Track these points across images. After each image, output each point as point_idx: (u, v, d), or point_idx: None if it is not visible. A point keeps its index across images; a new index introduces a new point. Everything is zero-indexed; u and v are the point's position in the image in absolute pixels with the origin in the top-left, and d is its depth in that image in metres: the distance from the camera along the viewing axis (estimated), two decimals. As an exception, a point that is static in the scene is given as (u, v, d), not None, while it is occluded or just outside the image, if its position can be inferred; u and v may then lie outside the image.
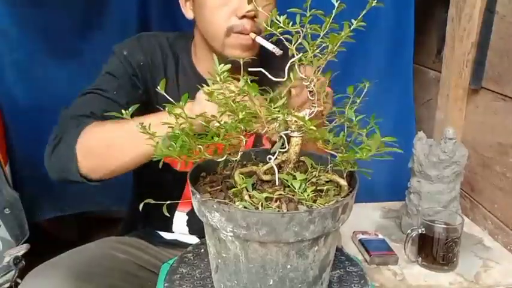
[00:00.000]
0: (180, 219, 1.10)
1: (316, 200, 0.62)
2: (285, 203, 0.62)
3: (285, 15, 0.63)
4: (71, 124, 0.90)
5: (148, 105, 0.99)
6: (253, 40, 0.91)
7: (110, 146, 0.87)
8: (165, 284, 0.74)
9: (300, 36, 0.62)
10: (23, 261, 1.15)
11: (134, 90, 1.01)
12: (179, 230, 1.11)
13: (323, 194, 0.64)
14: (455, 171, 1.20)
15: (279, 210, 0.60)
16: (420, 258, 1.13)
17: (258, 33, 0.92)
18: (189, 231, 1.11)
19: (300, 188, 0.62)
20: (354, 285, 0.75)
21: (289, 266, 0.61)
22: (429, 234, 1.10)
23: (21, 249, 1.17)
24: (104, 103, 0.95)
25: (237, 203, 0.61)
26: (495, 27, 1.25)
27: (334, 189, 0.66)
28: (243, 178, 0.64)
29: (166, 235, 1.13)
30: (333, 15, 0.61)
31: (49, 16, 1.36)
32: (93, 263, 0.96)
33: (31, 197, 1.44)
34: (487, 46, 1.28)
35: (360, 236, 1.23)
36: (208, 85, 0.66)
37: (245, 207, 0.59)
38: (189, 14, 1.03)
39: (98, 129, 0.88)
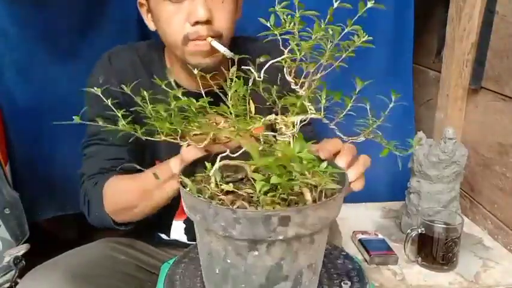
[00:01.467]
0: (177, 227, 1.11)
1: (279, 204, 0.60)
2: (243, 201, 0.60)
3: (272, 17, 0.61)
4: (90, 187, 0.98)
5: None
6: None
7: (128, 206, 0.94)
8: (165, 284, 0.74)
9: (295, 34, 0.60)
10: (23, 261, 1.15)
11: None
12: (177, 237, 1.11)
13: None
14: (455, 171, 1.21)
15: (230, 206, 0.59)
16: (420, 258, 1.14)
17: (218, 36, 0.89)
18: (187, 239, 1.11)
19: (260, 190, 0.59)
20: (354, 285, 0.75)
21: (228, 261, 0.61)
22: (429, 234, 1.10)
23: (21, 249, 1.17)
24: (108, 153, 1.00)
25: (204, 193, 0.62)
26: (495, 27, 1.25)
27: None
28: (211, 166, 0.64)
29: (165, 236, 1.13)
30: (326, 20, 0.59)
31: (49, 16, 1.36)
32: (92, 264, 0.96)
33: (31, 197, 1.44)
34: (487, 46, 1.28)
35: (360, 236, 1.23)
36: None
37: (190, 190, 0.60)
38: (151, 25, 1.00)
39: (113, 192, 0.96)
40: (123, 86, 0.70)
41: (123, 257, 1.03)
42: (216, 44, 0.76)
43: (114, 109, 0.66)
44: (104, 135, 1.00)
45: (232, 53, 0.71)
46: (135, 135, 0.67)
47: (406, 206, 1.29)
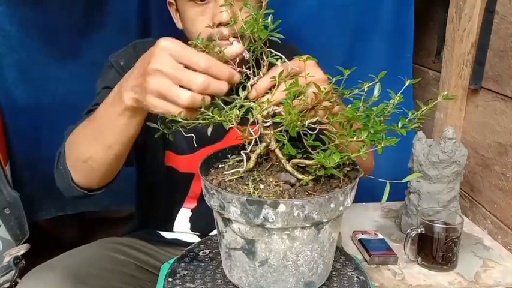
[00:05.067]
0: (184, 215, 1.11)
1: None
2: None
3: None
4: (65, 140, 0.91)
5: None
6: None
7: (83, 153, 0.85)
8: (165, 284, 0.74)
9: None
10: (23, 261, 1.15)
11: None
12: (181, 227, 1.11)
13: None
14: (455, 171, 1.21)
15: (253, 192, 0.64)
16: (420, 258, 1.14)
17: (241, 37, 0.91)
18: (190, 227, 1.11)
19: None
20: (354, 285, 0.75)
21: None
22: (429, 234, 1.10)
23: (21, 249, 1.17)
24: None
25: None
26: (495, 27, 1.25)
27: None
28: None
29: (166, 234, 1.14)
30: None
31: (49, 16, 1.36)
32: (91, 264, 0.95)
33: (31, 197, 1.44)
34: (487, 46, 1.28)
35: (360, 236, 1.23)
36: None
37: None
38: (179, 24, 1.04)
39: (71, 135, 0.88)
40: None
41: (123, 257, 1.03)
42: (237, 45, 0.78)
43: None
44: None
45: (247, 53, 0.73)
46: None
47: (406, 206, 1.29)
